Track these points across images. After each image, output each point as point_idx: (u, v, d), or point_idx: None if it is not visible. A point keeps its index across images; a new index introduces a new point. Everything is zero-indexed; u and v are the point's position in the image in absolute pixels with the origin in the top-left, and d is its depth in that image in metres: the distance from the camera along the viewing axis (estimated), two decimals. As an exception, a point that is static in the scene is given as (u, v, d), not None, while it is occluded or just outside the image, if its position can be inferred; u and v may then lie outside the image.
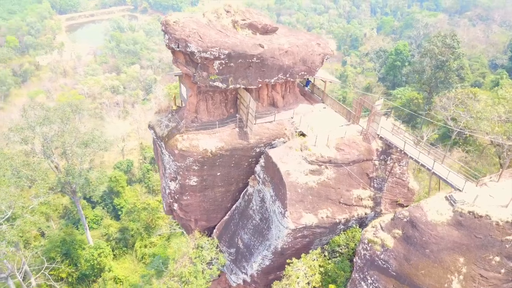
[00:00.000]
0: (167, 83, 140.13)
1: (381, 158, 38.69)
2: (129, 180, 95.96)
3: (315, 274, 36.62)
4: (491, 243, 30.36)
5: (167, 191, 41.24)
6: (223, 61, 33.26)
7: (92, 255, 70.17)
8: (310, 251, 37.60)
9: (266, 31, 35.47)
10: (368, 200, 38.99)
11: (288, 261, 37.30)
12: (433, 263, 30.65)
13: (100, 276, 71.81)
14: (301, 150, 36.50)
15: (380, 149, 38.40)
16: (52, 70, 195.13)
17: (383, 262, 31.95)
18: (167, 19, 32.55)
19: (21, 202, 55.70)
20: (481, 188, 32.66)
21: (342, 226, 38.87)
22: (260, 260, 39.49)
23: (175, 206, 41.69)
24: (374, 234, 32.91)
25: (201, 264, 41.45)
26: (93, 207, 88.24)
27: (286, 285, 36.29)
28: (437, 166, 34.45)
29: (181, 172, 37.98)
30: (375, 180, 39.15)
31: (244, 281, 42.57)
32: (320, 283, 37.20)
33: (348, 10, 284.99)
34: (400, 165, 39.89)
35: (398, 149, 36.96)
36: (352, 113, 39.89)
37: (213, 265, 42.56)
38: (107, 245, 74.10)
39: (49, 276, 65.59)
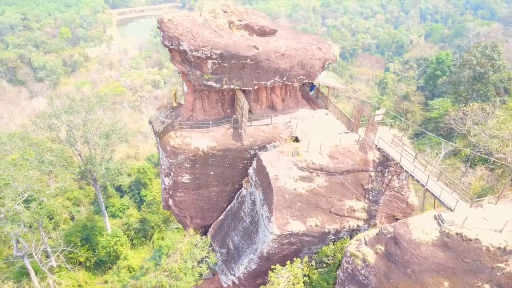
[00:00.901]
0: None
1: (378, 169, 37.19)
2: (159, 173, 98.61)
3: (299, 283, 35.80)
4: (480, 269, 28.38)
5: (163, 186, 41.86)
6: (216, 61, 33.26)
7: (109, 243, 72.37)
8: (297, 259, 36.73)
9: (264, 32, 35.08)
10: (361, 212, 37.60)
11: (272, 267, 36.71)
12: (414, 284, 29.11)
13: (116, 264, 74.07)
14: (292, 156, 35.81)
15: (377, 160, 36.92)
16: (100, 62, 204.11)
17: (364, 278, 30.74)
18: (162, 17, 33.02)
19: (38, 186, 58.48)
20: (476, 209, 30.62)
21: (332, 237, 37.74)
22: (247, 263, 39.15)
23: (170, 201, 42.25)
24: (357, 247, 31.74)
25: (192, 261, 41.67)
26: (121, 196, 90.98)
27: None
28: (432, 183, 32.65)
29: (173, 169, 38.40)
30: (370, 192, 37.68)
31: (233, 282, 42.36)
32: (304, 293, 36.37)
33: (396, 16, 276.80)
34: (399, 179, 38.15)
35: (395, 161, 35.37)
36: (352, 121, 38.62)
37: (203, 263, 42.66)
38: (124, 234, 76.20)
39: (63, 258, 68.50)
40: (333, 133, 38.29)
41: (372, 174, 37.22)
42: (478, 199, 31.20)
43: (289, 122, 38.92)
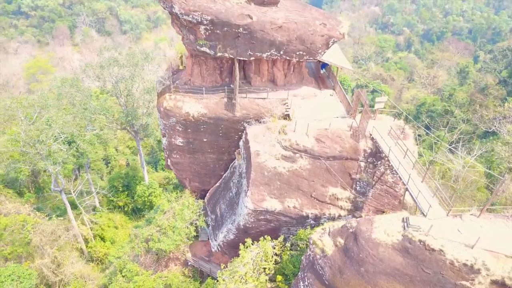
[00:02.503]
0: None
1: (368, 160, 34.89)
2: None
3: (267, 260, 35.61)
4: (442, 283, 26.14)
5: (163, 146, 43.13)
6: (207, 27, 32.72)
7: (144, 193, 77.01)
8: (268, 236, 36.36)
9: (262, 2, 33.54)
10: (345, 201, 35.89)
11: (246, 240, 36.79)
12: (366, 284, 27.71)
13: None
14: (278, 133, 34.79)
15: (369, 151, 34.58)
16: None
17: (320, 268, 29.85)
18: (160, -22, 32.92)
19: (75, 129, 63.13)
20: (453, 219, 27.81)
21: (312, 221, 36.66)
22: (226, 232, 39.63)
23: (169, 161, 43.56)
24: (320, 236, 30.66)
25: (181, 221, 43.09)
26: None
27: (237, 263, 36.05)
28: (416, 183, 30.04)
29: (167, 130, 39.29)
30: (358, 183, 35.65)
31: (217, 248, 43.27)
32: (273, 272, 36.14)
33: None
34: (393, 174, 35.50)
35: (383, 154, 32.93)
36: (351, 106, 36.29)
37: (191, 225, 43.92)
38: (159, 186, 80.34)
39: (98, 199, 74.30)
40: (330, 115, 36.34)
41: (362, 164, 35.06)
42: (458, 209, 28.27)
43: (286, 98, 37.57)
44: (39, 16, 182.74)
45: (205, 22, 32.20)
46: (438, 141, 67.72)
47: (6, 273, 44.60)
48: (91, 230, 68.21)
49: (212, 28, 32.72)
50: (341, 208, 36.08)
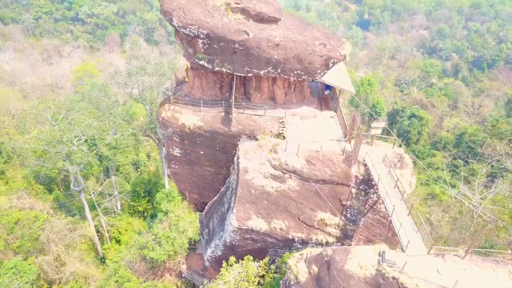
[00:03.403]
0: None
1: (360, 187, 33.41)
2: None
3: (249, 281, 34.72)
4: (414, 326, 24.35)
5: (164, 155, 43.59)
6: (204, 41, 33.01)
7: (162, 199, 78.10)
8: (250, 256, 35.48)
9: (261, 19, 33.39)
10: (334, 228, 34.45)
11: (230, 258, 36.14)
12: (334, 318, 26.29)
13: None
14: (269, 152, 34.19)
15: (361, 177, 33.13)
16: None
17: (292, 295, 28.69)
18: (162, -10, 33.66)
19: (96, 133, 65.30)
20: (434, 258, 25.92)
21: (299, 245, 35.41)
22: (213, 248, 39.15)
23: (169, 171, 43.91)
24: (296, 261, 29.61)
25: (175, 232, 43.00)
26: None
27: (219, 280, 35.44)
28: (399, 216, 28.38)
29: (166, 140, 39.72)
30: (348, 210, 34.17)
31: (208, 263, 42.77)
32: (255, 293, 35.19)
33: None
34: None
35: (373, 182, 31.44)
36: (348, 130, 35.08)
37: (185, 237, 43.67)
38: (179, 195, 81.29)
39: (114, 202, 76.05)
40: (326, 137, 35.29)
41: (353, 190, 33.63)
42: (440, 247, 26.37)
43: (284, 117, 36.94)
44: (94, 23, 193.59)
45: (201, 36, 32.54)
46: (471, 174, 63.99)
47: (8, 266, 46.32)
48: (108, 232, 69.58)
49: (209, 42, 32.99)
50: (329, 234, 34.67)
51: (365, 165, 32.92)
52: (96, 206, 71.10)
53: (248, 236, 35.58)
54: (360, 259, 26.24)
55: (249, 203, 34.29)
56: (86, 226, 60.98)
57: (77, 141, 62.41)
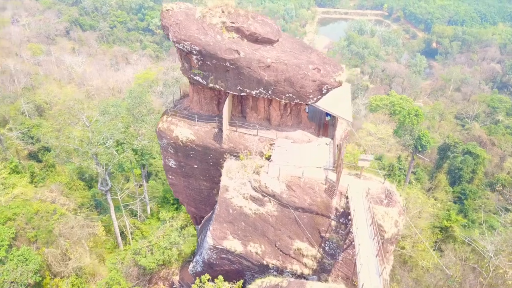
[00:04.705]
0: (377, 92, 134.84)
1: (340, 220, 31.74)
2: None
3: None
4: None
5: (162, 163, 44.40)
6: (198, 57, 33.55)
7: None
8: (221, 277, 34.72)
9: (256, 39, 33.18)
10: (311, 259, 32.91)
11: (206, 275, 35.65)
12: None
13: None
14: (252, 173, 33.64)
15: (341, 210, 31.50)
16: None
17: (246, 323, 27.74)
18: (164, 6, 34.67)
19: (122, 137, 67.98)
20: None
21: (274, 273, 34.22)
22: (195, 263, 38.95)
23: (168, 181, 44.56)
24: (255, 289, 28.62)
25: (167, 242, 43.45)
26: None
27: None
28: (370, 256, 26.60)
29: (162, 150, 40.49)
30: (327, 243, 32.52)
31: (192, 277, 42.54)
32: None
33: None
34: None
35: (349, 216, 29.77)
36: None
37: (176, 248, 43.96)
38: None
39: (142, 206, 78.21)
40: (313, 164, 34.06)
41: (333, 223, 32.03)
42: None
43: (275, 139, 36.26)
44: (162, 35, 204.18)
45: (194, 52, 33.12)
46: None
47: (17, 253, 49.12)
48: (131, 234, 71.40)
49: (202, 58, 33.47)
50: (305, 265, 33.17)
51: (347, 197, 31.32)
52: (122, 207, 73.79)
53: (224, 256, 35.05)
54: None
55: (226, 222, 33.85)
56: (97, 225, 63.16)
57: (104, 142, 65.47)
